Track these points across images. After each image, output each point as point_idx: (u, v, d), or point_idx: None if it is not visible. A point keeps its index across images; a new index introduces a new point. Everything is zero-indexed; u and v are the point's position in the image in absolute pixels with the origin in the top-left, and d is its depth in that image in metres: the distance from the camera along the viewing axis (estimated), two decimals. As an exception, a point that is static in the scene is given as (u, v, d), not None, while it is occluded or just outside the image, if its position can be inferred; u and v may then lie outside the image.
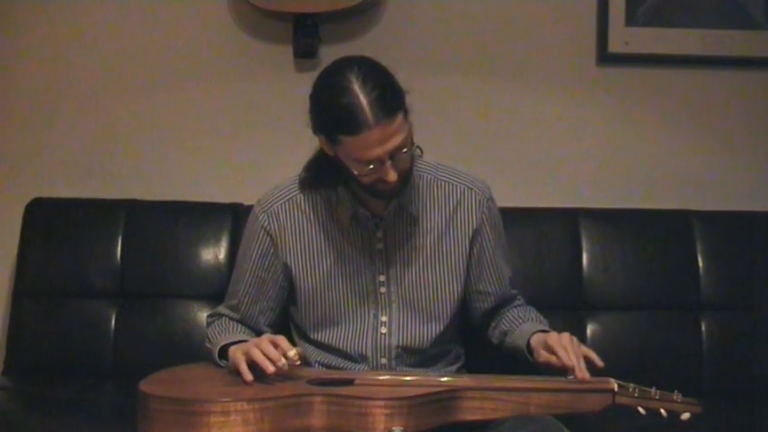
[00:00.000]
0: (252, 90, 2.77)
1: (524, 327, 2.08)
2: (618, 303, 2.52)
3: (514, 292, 2.21)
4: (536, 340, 2.00)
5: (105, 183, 2.74)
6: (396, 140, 1.90)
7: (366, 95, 1.86)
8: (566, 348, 1.89)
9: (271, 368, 1.86)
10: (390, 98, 1.89)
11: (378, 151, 1.89)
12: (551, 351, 1.91)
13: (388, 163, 1.91)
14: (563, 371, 1.89)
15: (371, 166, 1.91)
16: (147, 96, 2.77)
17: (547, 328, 2.07)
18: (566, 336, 1.93)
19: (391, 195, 2.02)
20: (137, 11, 2.75)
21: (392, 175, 1.92)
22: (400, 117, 1.90)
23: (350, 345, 2.10)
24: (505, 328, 2.14)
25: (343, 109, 1.87)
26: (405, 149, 1.93)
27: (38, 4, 2.76)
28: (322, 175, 2.08)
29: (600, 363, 1.91)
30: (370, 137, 1.87)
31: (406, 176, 2.00)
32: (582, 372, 1.86)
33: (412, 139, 1.96)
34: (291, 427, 1.79)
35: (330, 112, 1.90)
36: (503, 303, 2.19)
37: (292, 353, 1.88)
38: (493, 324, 2.19)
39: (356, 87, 1.87)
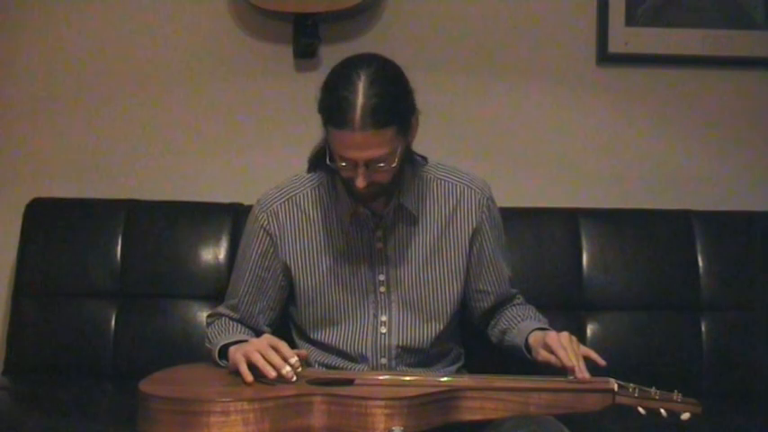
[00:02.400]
0: (252, 90, 2.76)
1: (523, 325, 2.08)
2: (618, 303, 2.52)
3: (514, 291, 2.21)
4: (534, 338, 1.99)
5: (105, 183, 2.74)
6: (374, 152, 1.88)
7: (364, 97, 1.85)
8: (565, 348, 1.89)
9: (273, 374, 1.86)
10: (386, 110, 1.87)
11: (353, 154, 1.88)
12: (550, 351, 1.91)
13: (361, 169, 1.90)
14: (563, 371, 1.89)
15: (344, 164, 1.91)
16: (146, 96, 2.77)
17: (546, 326, 2.07)
18: (565, 335, 1.93)
19: (361, 199, 2.01)
20: (136, 11, 2.75)
21: (360, 182, 1.91)
22: (390, 132, 1.88)
23: (350, 345, 2.10)
24: (504, 327, 2.14)
25: (339, 100, 1.87)
26: (382, 164, 1.91)
27: (38, 4, 2.76)
28: (323, 162, 2.06)
29: (602, 362, 1.90)
30: (350, 138, 1.86)
31: (384, 189, 1.98)
32: (582, 372, 1.86)
33: (401, 156, 1.93)
34: (291, 427, 1.79)
35: (327, 99, 1.91)
36: (502, 303, 2.19)
37: (294, 360, 1.88)
38: (492, 323, 2.19)
39: (360, 85, 1.86)
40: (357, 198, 2.02)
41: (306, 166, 2.14)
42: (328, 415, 1.79)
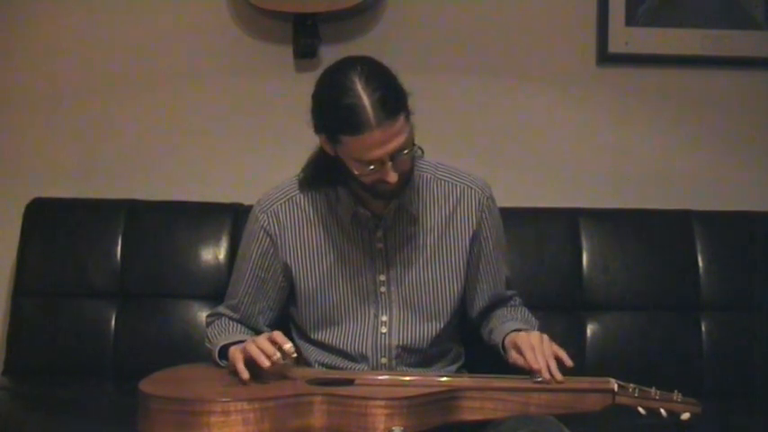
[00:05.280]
0: (252, 90, 2.77)
1: (505, 325, 2.06)
2: (618, 303, 2.52)
3: (510, 293, 2.20)
4: (510, 340, 1.98)
5: (105, 183, 2.74)
6: (397, 142, 1.90)
7: (369, 96, 1.86)
8: (533, 349, 1.88)
9: (266, 362, 1.86)
10: (393, 99, 1.88)
11: (379, 152, 1.89)
12: (520, 351, 1.91)
13: (389, 164, 1.91)
14: (532, 372, 1.88)
15: (372, 167, 1.91)
16: (146, 96, 2.77)
17: (528, 327, 2.05)
18: (535, 335, 1.92)
19: (391, 196, 2.02)
20: (136, 11, 2.76)
21: (392, 177, 1.92)
22: (402, 118, 1.90)
23: (350, 344, 2.10)
24: (492, 327, 2.13)
25: (345, 109, 1.87)
26: (406, 151, 1.93)
27: (37, 4, 2.76)
28: (321, 175, 2.08)
29: (569, 362, 1.89)
30: (372, 138, 1.87)
31: (407, 177, 2.01)
32: (547, 373, 1.85)
33: (413, 141, 1.96)
34: (291, 427, 1.79)
35: (332, 112, 1.90)
36: (498, 303, 2.18)
37: (288, 345, 1.89)
38: (484, 323, 2.18)
39: (359, 88, 1.87)
40: (386, 196, 2.01)
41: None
42: (328, 415, 1.79)
